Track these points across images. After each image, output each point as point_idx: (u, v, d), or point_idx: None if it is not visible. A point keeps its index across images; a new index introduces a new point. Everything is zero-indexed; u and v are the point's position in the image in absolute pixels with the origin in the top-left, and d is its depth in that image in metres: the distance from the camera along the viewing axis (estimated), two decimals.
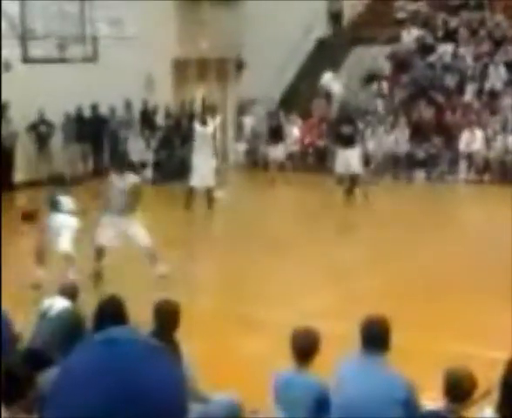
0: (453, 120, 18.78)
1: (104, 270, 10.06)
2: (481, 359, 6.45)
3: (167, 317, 5.48)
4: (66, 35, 18.38)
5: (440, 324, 8.15)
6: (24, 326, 6.35)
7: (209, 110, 15.72)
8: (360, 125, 18.07)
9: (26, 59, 17.74)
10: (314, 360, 5.04)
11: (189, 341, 5.50)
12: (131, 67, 18.44)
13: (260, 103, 21.45)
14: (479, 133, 17.93)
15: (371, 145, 18.84)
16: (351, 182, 15.43)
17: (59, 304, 6.38)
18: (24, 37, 17.71)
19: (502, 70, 19.30)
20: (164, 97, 20.16)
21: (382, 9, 22.05)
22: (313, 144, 19.99)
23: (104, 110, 19.12)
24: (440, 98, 19.42)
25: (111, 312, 5.35)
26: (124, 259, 10.22)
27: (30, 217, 12.30)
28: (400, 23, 21.69)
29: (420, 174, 18.28)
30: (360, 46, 21.32)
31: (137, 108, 19.83)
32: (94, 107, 18.90)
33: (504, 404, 4.27)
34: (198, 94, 21.56)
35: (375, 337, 4.78)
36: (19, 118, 17.44)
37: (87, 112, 18.95)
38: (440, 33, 21.06)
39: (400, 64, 20.84)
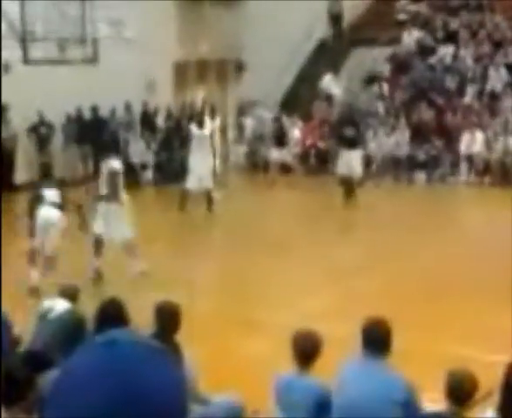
0: (453, 122, 18.78)
1: (103, 270, 10.09)
2: (482, 360, 6.45)
3: (168, 319, 5.48)
4: (66, 36, 18.39)
5: (440, 325, 8.16)
6: (24, 328, 6.34)
7: (208, 111, 15.72)
8: (361, 127, 18.07)
9: (26, 61, 17.74)
10: (315, 363, 5.04)
11: (190, 343, 5.50)
12: (132, 69, 18.45)
13: (261, 104, 21.45)
14: (479, 135, 17.93)
15: (371, 147, 18.84)
16: (349, 183, 15.41)
17: (60, 306, 6.38)
18: (24, 39, 17.71)
19: (503, 72, 19.30)
20: (164, 99, 20.16)
21: (382, 10, 22.07)
22: (314, 146, 20.00)
23: (104, 111, 19.12)
24: (440, 100, 19.42)
25: (112, 314, 5.35)
26: (124, 259, 10.24)
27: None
28: (401, 25, 21.70)
29: (420, 176, 18.28)
30: (361, 48, 21.33)
31: (137, 110, 19.83)
32: (94, 109, 18.90)
33: (505, 406, 4.27)
34: (199, 96, 21.56)
35: (376, 339, 4.78)
36: (19, 120, 17.46)
37: (87, 114, 18.95)
38: (440, 35, 21.08)
39: (401, 66, 20.85)
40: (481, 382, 4.59)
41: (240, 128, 21.87)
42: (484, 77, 19.49)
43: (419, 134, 18.83)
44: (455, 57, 20.35)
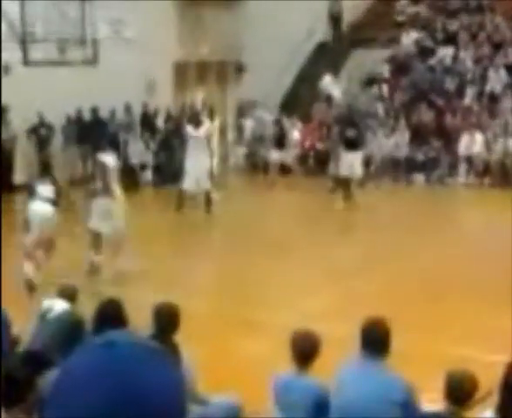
0: (453, 123, 18.78)
1: (103, 270, 10.10)
2: (482, 360, 6.45)
3: (167, 319, 5.48)
4: (66, 37, 18.40)
5: (440, 326, 8.16)
6: (23, 328, 6.34)
7: (207, 112, 15.72)
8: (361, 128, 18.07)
9: (26, 62, 17.75)
10: (314, 363, 5.04)
11: (188, 344, 5.50)
12: (132, 70, 18.45)
13: (260, 105, 21.45)
14: (479, 136, 17.94)
15: (371, 148, 18.83)
16: (346, 184, 15.41)
17: (59, 306, 6.37)
18: (24, 40, 17.72)
19: (502, 73, 19.31)
20: (164, 100, 20.16)
21: (382, 11, 22.09)
22: (314, 148, 20.00)
23: (104, 112, 19.11)
24: (440, 101, 19.43)
25: (111, 314, 5.35)
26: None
27: None
28: (400, 26, 21.72)
29: (419, 177, 18.28)
30: (360, 49, 21.34)
31: (137, 111, 19.82)
32: (94, 110, 18.90)
33: (505, 406, 4.27)
34: (198, 96, 21.55)
35: (375, 340, 4.78)
36: (19, 121, 17.46)
37: (87, 115, 18.95)
38: (440, 36, 21.09)
39: (400, 67, 20.86)
40: (481, 382, 4.59)
41: (240, 129, 21.87)
42: (484, 79, 19.50)
43: (418, 135, 18.84)
44: (455, 58, 20.36)
